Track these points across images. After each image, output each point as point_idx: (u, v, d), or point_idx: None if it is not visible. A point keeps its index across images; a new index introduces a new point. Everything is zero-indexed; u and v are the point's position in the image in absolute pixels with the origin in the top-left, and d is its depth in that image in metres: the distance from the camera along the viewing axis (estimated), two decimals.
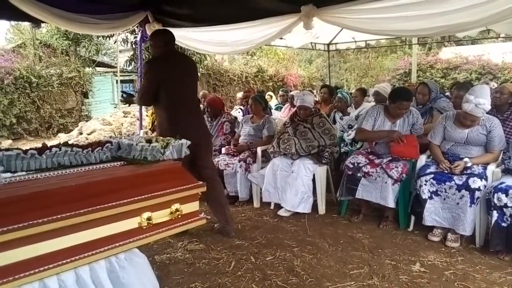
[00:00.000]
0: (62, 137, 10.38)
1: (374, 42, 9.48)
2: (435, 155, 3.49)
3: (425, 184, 3.29)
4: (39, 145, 1.78)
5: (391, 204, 3.44)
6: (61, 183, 1.66)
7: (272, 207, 4.11)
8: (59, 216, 1.56)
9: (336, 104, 5.12)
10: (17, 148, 1.64)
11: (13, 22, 11.39)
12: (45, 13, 3.82)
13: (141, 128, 6.13)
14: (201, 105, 5.47)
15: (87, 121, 11.73)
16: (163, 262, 2.94)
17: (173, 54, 3.44)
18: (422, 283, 2.63)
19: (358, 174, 3.56)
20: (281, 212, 3.90)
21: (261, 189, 4.14)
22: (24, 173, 1.63)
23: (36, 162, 1.64)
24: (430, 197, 3.28)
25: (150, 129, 5.99)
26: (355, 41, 9.02)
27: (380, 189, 3.48)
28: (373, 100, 5.27)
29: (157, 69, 3.26)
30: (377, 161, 3.60)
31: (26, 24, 12.79)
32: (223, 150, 4.58)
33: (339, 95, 5.18)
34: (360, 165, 3.57)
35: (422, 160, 3.59)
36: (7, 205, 1.48)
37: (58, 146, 1.75)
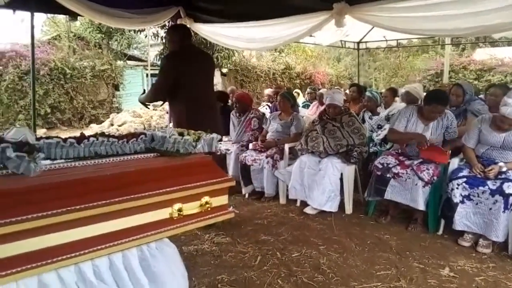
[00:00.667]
0: (94, 128, 10.66)
1: (406, 42, 9.26)
2: (469, 159, 3.39)
3: (457, 188, 3.21)
4: (77, 134, 1.84)
5: (421, 206, 3.38)
6: (98, 172, 1.71)
7: (298, 204, 4.10)
8: (95, 204, 1.60)
9: (365, 104, 5.05)
10: (57, 137, 1.69)
11: (49, 15, 11.72)
12: (82, 6, 3.93)
13: (170, 121, 6.22)
14: (229, 100, 5.51)
15: (118, 113, 12.01)
16: (190, 253, 2.98)
17: (190, 49, 3.43)
18: None
19: (388, 175, 3.51)
20: (307, 210, 3.88)
21: (287, 186, 4.14)
22: (63, 160, 1.68)
23: (75, 150, 1.69)
24: (462, 201, 3.20)
25: None
26: (386, 40, 8.84)
27: (410, 191, 3.41)
28: (404, 100, 5.17)
29: (174, 64, 3.24)
30: (407, 162, 3.54)
31: (61, 17, 13.19)
32: (250, 145, 4.60)
33: (369, 94, 5.10)
34: (390, 165, 3.51)
35: (455, 163, 3.50)
36: (47, 191, 1.53)
37: (95, 136, 1.80)
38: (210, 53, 13.49)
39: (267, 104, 7.76)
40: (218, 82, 14.78)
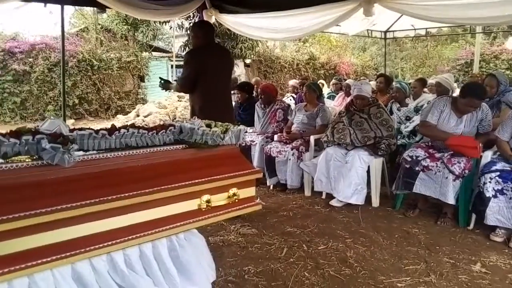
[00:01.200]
0: (120, 119, 10.86)
1: (435, 30, 8.99)
2: (503, 152, 3.27)
3: (490, 182, 3.10)
4: (105, 125, 1.87)
5: (451, 200, 3.29)
6: (128, 163, 1.73)
7: (323, 196, 4.07)
8: (126, 195, 1.63)
9: (394, 95, 4.93)
10: (89, 128, 1.72)
11: (77, 7, 11.94)
12: None
13: None
14: (254, 92, 5.49)
15: (143, 104, 12.18)
16: (217, 243, 3.01)
17: (212, 45, 3.63)
18: (484, 285, 2.50)
19: (417, 168, 3.42)
20: (333, 202, 3.85)
21: (312, 178, 4.11)
22: (94, 152, 1.71)
23: (106, 142, 1.71)
24: (495, 196, 3.09)
25: None
26: (415, 29, 8.59)
27: (440, 184, 3.32)
28: (434, 91, 5.03)
29: (197, 60, 3.45)
30: (437, 155, 3.44)
31: (88, 9, 13.40)
32: (275, 137, 4.57)
33: (397, 85, 4.98)
34: (419, 158, 3.43)
35: (488, 156, 3.38)
36: (81, 182, 1.56)
37: (125, 127, 1.82)
38: (234, 43, 13.49)
39: (291, 95, 7.69)
40: (241, 73, 14.77)
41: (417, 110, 4.71)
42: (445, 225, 3.42)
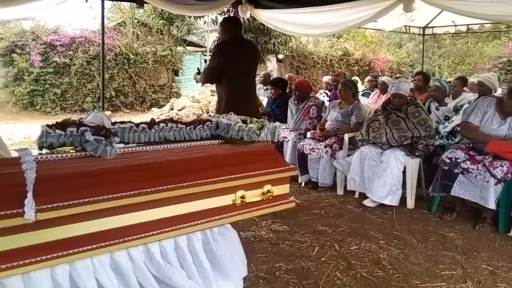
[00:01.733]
0: (155, 112, 11.07)
1: (477, 27, 8.63)
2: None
3: None
4: (140, 118, 1.90)
5: (491, 205, 3.15)
6: (167, 157, 1.76)
7: (356, 196, 4.00)
8: (163, 187, 1.65)
9: (433, 93, 4.76)
10: (130, 122, 1.75)
11: (115, 2, 12.25)
12: None
13: None
14: (287, 88, 5.46)
15: (177, 97, 12.37)
16: (248, 239, 3.02)
17: (240, 40, 3.71)
18: None
19: (456, 170, 3.30)
20: (367, 202, 3.78)
21: (345, 177, 4.05)
22: (134, 144, 1.74)
23: (146, 135, 1.74)
24: None
25: None
26: (455, 25, 8.27)
27: (480, 188, 3.19)
28: (476, 91, 4.83)
29: (224, 53, 3.55)
30: (478, 157, 3.30)
31: (126, 4, 13.69)
32: (309, 134, 4.53)
33: (436, 83, 4.81)
34: (459, 160, 3.30)
35: None
36: (121, 173, 1.60)
37: (164, 121, 1.84)
38: (267, 38, 13.46)
39: (325, 92, 7.58)
40: (273, 68, 14.72)
41: (456, 110, 4.54)
42: (484, 230, 3.29)
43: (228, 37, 3.66)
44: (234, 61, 3.50)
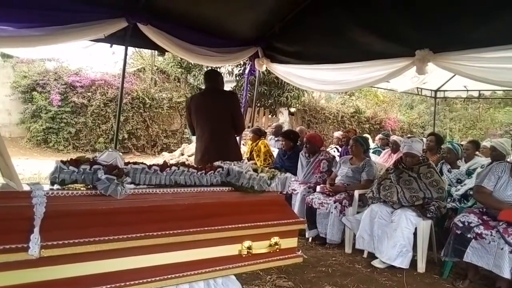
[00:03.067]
0: (165, 156, 11.14)
1: (489, 93, 8.74)
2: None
3: None
4: (150, 161, 1.91)
5: (506, 274, 3.00)
6: (176, 201, 1.75)
7: (365, 255, 3.86)
8: (170, 232, 1.62)
9: (445, 155, 4.74)
10: (143, 163, 1.76)
11: (137, 49, 12.76)
12: (170, 43, 4.22)
13: None
14: (298, 141, 5.49)
15: (188, 143, 12.49)
16: None
17: (212, 90, 3.79)
18: None
19: (468, 235, 3.20)
20: (375, 263, 3.64)
21: (354, 235, 3.94)
22: (145, 186, 1.74)
23: (157, 177, 1.74)
24: None
25: (247, 158, 6.13)
26: (467, 90, 8.40)
27: (494, 255, 3.06)
28: (488, 155, 4.80)
29: (192, 104, 3.72)
30: (492, 223, 3.21)
31: (146, 51, 14.26)
32: (318, 188, 4.48)
33: (449, 145, 4.80)
34: (472, 225, 3.21)
35: None
36: (129, 214, 1.59)
37: (176, 165, 1.85)
38: (280, 92, 13.77)
39: (335, 147, 7.61)
40: (285, 121, 14.91)
41: (469, 173, 4.49)
42: None
43: (204, 88, 3.89)
44: (202, 111, 3.64)
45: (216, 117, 3.63)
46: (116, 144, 4.99)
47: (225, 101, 3.72)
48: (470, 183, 4.17)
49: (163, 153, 12.10)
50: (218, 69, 13.77)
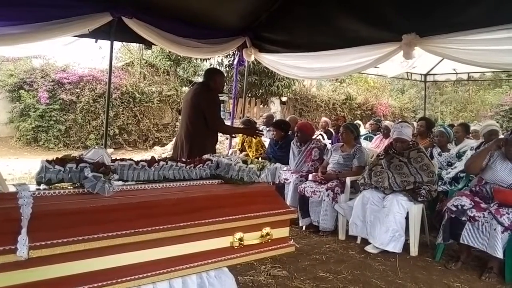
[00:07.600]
0: (157, 150, 11.09)
1: (478, 75, 8.82)
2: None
3: None
4: (142, 156, 1.90)
5: (499, 254, 3.05)
6: (165, 195, 1.74)
7: (358, 241, 3.90)
8: (161, 227, 1.62)
9: (438, 139, 4.76)
10: (130, 159, 1.75)
11: (124, 43, 12.61)
12: (157, 36, 4.18)
13: (230, 148, 6.32)
14: (289, 130, 5.48)
15: None
16: (246, 284, 2.92)
17: (194, 87, 4.01)
18: None
19: (463, 218, 3.22)
20: (369, 248, 3.67)
21: (347, 221, 3.97)
22: (133, 182, 1.73)
23: (145, 173, 1.73)
24: None
25: (239, 149, 6.13)
26: (456, 73, 8.46)
27: (488, 236, 3.10)
28: (478, 137, 4.85)
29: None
30: (483, 205, 3.25)
31: (134, 45, 14.10)
32: (310, 176, 4.49)
33: (441, 129, 4.82)
34: (465, 208, 3.24)
35: None
36: (117, 211, 1.57)
37: (164, 160, 1.84)
38: (271, 81, 13.75)
39: (320, 134, 7.58)
40: (276, 110, 14.89)
41: (459, 156, 4.53)
42: (490, 280, 3.17)
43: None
44: (183, 106, 3.89)
45: (191, 114, 3.74)
46: (106, 140, 4.95)
47: (199, 98, 3.72)
48: (460, 165, 4.21)
49: (155, 147, 12.05)
50: (207, 61, 13.75)
